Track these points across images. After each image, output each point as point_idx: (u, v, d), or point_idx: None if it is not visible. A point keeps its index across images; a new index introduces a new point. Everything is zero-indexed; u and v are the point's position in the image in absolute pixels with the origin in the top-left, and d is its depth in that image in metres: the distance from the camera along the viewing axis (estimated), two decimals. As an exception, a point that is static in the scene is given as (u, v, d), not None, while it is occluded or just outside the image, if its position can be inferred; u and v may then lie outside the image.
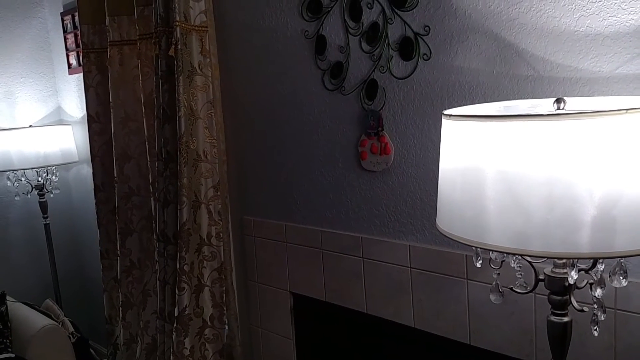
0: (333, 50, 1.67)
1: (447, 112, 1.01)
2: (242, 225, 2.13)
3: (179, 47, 1.88)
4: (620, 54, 1.13)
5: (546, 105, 1.07)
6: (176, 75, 1.90)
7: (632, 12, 1.10)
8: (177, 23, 1.87)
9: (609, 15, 1.14)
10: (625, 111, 0.78)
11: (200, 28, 1.93)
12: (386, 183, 1.61)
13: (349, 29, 1.62)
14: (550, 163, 0.81)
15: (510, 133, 0.84)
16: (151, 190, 2.23)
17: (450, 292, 1.50)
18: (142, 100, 2.21)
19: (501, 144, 0.86)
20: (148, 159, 2.23)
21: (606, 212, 0.80)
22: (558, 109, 0.95)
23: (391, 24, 1.51)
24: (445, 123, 1.00)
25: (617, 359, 1.22)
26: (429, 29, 1.44)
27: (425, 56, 1.46)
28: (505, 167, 0.86)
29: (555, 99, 0.96)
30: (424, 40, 1.46)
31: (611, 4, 1.13)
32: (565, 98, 0.96)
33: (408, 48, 1.49)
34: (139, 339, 2.44)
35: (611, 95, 1.16)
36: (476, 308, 1.46)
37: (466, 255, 1.44)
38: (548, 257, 0.88)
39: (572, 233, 0.81)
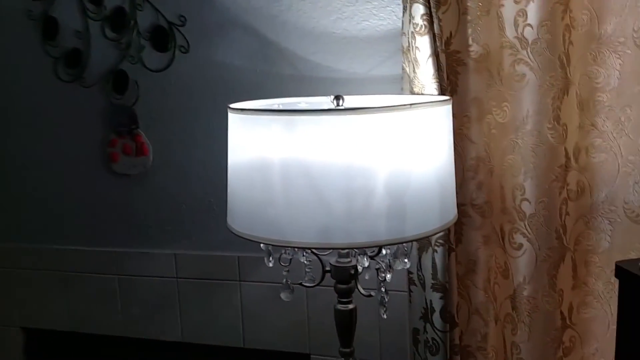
0: (68, 36, 1.42)
1: (234, 105, 0.95)
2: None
3: None
4: (374, 57, 1.24)
5: (325, 102, 1.09)
6: None
7: (382, 18, 1.21)
8: None
9: (362, 19, 1.23)
10: (409, 106, 0.84)
11: None
12: (145, 188, 1.45)
13: (88, 12, 1.40)
14: (344, 155, 0.82)
15: (302, 127, 0.83)
16: None
17: (222, 297, 1.44)
18: None
19: (292, 138, 0.83)
20: None
21: (397, 199, 0.85)
22: (338, 105, 0.99)
23: (141, 10, 1.36)
24: (232, 117, 0.94)
25: (381, 335, 1.34)
26: (185, 20, 1.34)
27: (182, 48, 1.36)
28: (297, 161, 0.83)
29: (334, 96, 0.99)
30: (180, 32, 1.35)
31: (364, 9, 1.22)
32: (343, 96, 1.00)
33: (162, 38, 1.36)
34: None
35: (366, 94, 1.25)
36: (249, 309, 1.43)
37: (238, 256, 1.39)
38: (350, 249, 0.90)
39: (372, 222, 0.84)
